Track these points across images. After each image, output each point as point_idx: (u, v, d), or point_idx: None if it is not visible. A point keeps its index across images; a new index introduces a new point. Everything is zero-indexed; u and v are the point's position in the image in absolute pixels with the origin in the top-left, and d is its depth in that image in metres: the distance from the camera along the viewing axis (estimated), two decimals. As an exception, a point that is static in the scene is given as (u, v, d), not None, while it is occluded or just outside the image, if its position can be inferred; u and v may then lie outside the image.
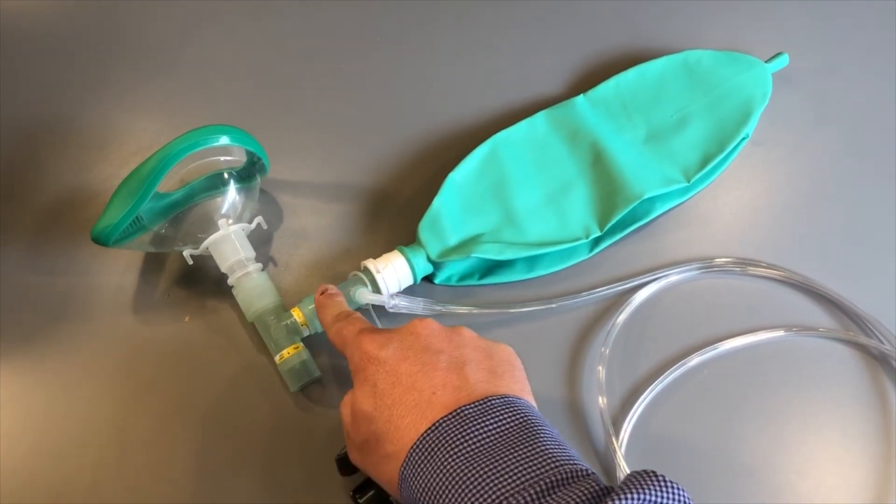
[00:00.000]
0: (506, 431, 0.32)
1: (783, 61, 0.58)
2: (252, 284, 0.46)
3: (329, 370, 0.48)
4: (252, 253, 0.48)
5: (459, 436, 0.32)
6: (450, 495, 0.30)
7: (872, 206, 0.55)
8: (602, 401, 0.45)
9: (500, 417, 0.33)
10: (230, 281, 0.47)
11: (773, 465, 0.44)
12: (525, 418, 0.33)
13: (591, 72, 0.60)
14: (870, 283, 0.51)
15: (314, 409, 0.47)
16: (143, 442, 0.46)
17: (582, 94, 0.57)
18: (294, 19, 0.63)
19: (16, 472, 0.45)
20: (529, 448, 0.31)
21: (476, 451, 0.31)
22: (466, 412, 0.33)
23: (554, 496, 0.29)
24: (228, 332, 0.49)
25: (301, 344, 0.46)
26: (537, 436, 0.32)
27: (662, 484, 0.28)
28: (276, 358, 0.46)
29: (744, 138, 0.55)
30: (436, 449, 0.32)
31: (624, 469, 0.42)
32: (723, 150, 0.53)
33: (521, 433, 0.32)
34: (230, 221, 0.48)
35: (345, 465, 0.42)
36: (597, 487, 0.29)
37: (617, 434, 0.44)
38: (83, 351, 0.49)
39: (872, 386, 0.48)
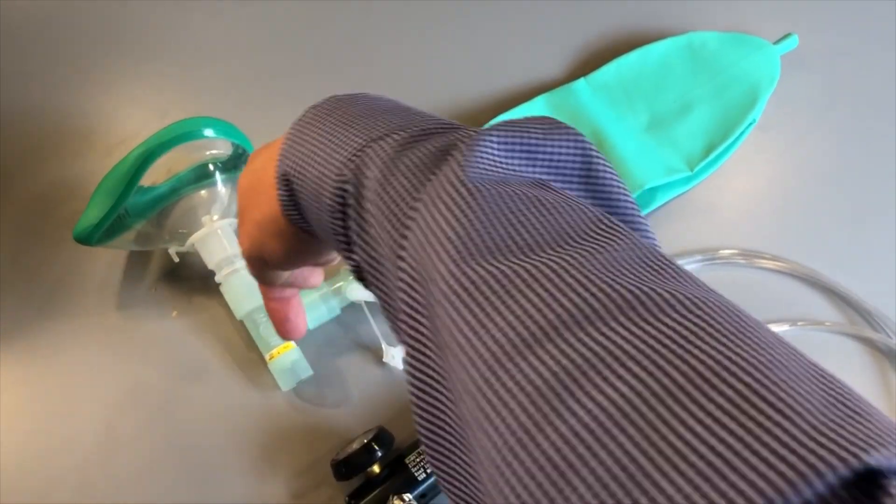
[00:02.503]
0: (373, 103, 0.28)
1: (792, 43, 0.56)
2: (240, 282, 0.45)
3: (321, 369, 0.46)
4: (239, 249, 0.46)
5: (325, 112, 0.28)
6: (311, 161, 0.26)
7: (883, 197, 0.53)
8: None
9: (369, 98, 0.29)
10: (218, 278, 0.46)
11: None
12: (397, 101, 0.29)
13: (592, 54, 0.58)
14: (878, 277, 0.50)
15: (306, 409, 0.46)
16: (130, 439, 0.45)
17: (583, 78, 0.55)
18: (282, 6, 0.60)
19: (1, 472, 0.44)
20: (400, 111, 0.27)
21: (343, 119, 0.27)
22: (336, 97, 0.29)
23: (430, 139, 0.25)
24: (217, 329, 0.48)
25: (292, 342, 0.45)
26: (409, 108, 0.28)
27: (556, 130, 0.23)
28: (267, 357, 0.45)
29: (750, 124, 0.53)
30: (301, 130, 0.28)
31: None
32: (728, 137, 0.51)
33: (391, 104, 0.28)
34: (216, 217, 0.46)
35: (341, 471, 0.41)
36: (474, 132, 0.24)
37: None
38: (69, 348, 0.47)
39: (880, 381, 0.47)
